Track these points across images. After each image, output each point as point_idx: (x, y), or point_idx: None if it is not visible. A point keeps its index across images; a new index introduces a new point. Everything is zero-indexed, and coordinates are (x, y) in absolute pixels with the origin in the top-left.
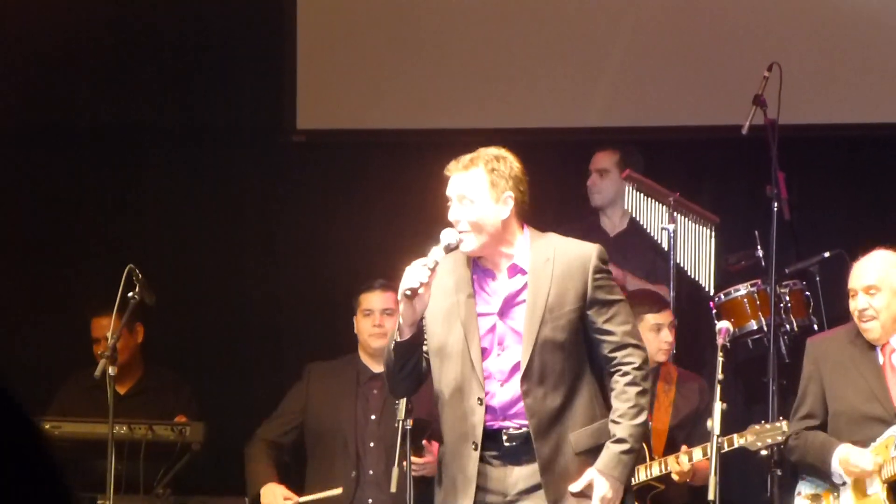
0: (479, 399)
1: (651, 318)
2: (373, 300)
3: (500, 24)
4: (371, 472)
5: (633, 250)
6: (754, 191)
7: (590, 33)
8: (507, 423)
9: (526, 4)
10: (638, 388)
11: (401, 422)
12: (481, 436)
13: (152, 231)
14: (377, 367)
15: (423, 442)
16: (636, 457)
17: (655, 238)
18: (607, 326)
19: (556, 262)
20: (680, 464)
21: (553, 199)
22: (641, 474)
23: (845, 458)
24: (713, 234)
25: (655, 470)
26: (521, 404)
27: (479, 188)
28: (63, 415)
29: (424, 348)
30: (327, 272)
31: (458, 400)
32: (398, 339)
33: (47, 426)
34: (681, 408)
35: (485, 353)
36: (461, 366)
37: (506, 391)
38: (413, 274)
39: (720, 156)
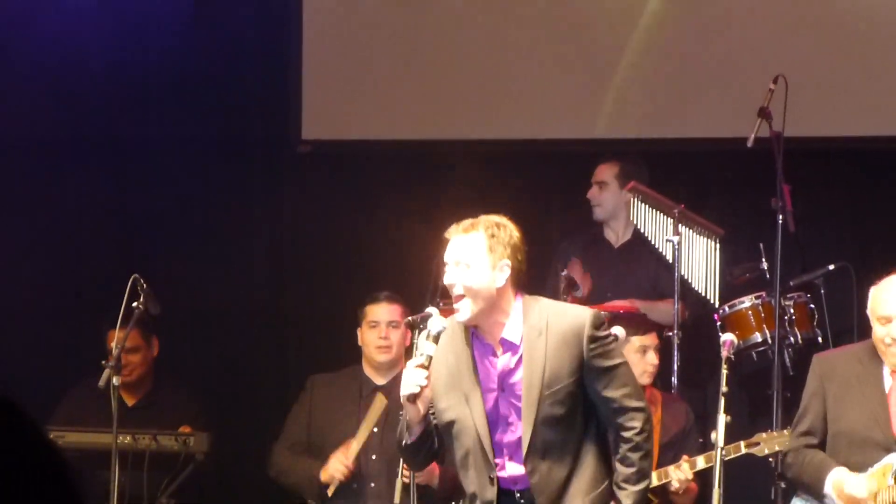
0: (490, 478)
1: (637, 341)
2: (378, 312)
3: (506, 36)
4: (373, 484)
5: (637, 262)
6: (759, 203)
7: (596, 45)
8: (515, 488)
9: (532, 16)
10: (640, 453)
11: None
12: None
13: (158, 242)
14: (380, 379)
15: None
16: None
17: (660, 250)
18: (606, 393)
19: (549, 335)
20: (682, 471)
21: (558, 211)
22: None
23: (839, 483)
24: (718, 246)
25: (654, 480)
26: (521, 476)
27: (476, 253)
28: (69, 423)
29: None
30: (333, 283)
31: (472, 475)
32: (408, 441)
33: (51, 435)
34: (669, 426)
35: (492, 428)
36: (471, 442)
37: (514, 466)
38: (411, 378)
39: (725, 168)
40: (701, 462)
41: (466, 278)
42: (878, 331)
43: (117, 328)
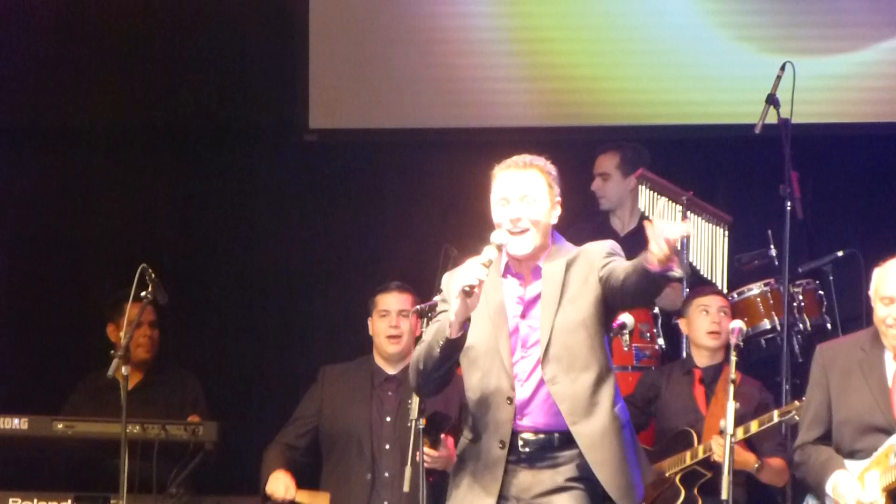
0: (508, 398)
1: (700, 301)
2: (389, 301)
3: (512, 24)
4: (387, 473)
5: (643, 249)
6: (767, 190)
7: (604, 33)
8: (523, 424)
9: (538, 4)
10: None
11: (413, 421)
12: (510, 434)
13: (166, 231)
14: (392, 369)
15: (441, 436)
16: None
17: None
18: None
19: (570, 259)
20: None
21: (565, 199)
22: (688, 459)
23: (836, 485)
24: (727, 233)
25: (700, 454)
26: (536, 402)
27: (540, 188)
28: (75, 416)
29: None
30: (340, 272)
31: (486, 398)
32: (449, 337)
33: (61, 426)
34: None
35: (512, 351)
36: (490, 365)
37: (525, 389)
38: (470, 271)
39: (733, 155)
40: (754, 426)
41: (533, 212)
42: (881, 311)
43: (126, 316)
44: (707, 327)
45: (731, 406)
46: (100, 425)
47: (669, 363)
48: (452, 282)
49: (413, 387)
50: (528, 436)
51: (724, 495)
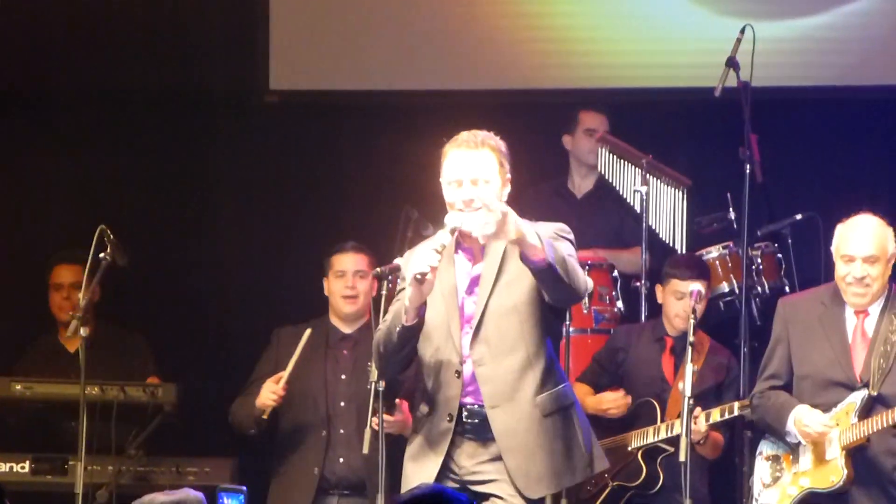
0: (456, 372)
1: (677, 285)
2: (345, 261)
3: None
4: (342, 431)
5: (599, 212)
6: (727, 153)
7: None
8: (467, 399)
9: None
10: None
11: (373, 383)
12: (457, 408)
13: (124, 193)
14: (347, 328)
15: (396, 401)
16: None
17: (628, 200)
18: None
19: (508, 245)
20: (697, 424)
21: (523, 161)
22: (651, 436)
23: (798, 418)
24: (686, 196)
25: (662, 432)
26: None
27: (491, 169)
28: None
29: None
30: (299, 233)
31: (436, 373)
32: (405, 324)
33: (18, 387)
34: (705, 379)
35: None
36: (442, 340)
37: (469, 364)
38: (422, 258)
39: (693, 118)
40: (715, 415)
41: (485, 194)
42: (841, 269)
43: (84, 278)
44: (679, 312)
45: (690, 368)
46: (58, 386)
47: (640, 324)
48: (408, 265)
49: (377, 369)
50: (475, 408)
51: (681, 457)
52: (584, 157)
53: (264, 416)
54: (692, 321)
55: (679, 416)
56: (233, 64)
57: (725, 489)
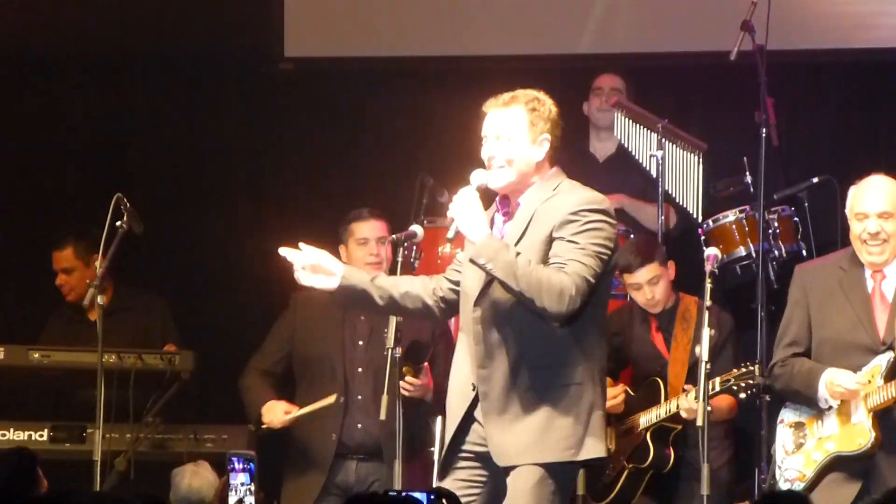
0: (475, 339)
1: (629, 279)
2: (366, 229)
3: None
4: (360, 396)
5: (622, 175)
6: (743, 117)
7: None
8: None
9: None
10: (553, 277)
11: (390, 350)
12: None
13: (139, 161)
14: None
15: (423, 364)
16: (501, 266)
17: (644, 165)
18: (556, 249)
19: (539, 208)
20: (688, 401)
21: None
22: (653, 415)
23: (830, 379)
24: (701, 160)
25: (663, 411)
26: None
27: (517, 127)
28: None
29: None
30: (315, 201)
31: (463, 339)
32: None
33: (36, 355)
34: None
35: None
36: (466, 300)
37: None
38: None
39: (708, 82)
40: (713, 386)
41: (507, 151)
42: (856, 227)
43: (101, 247)
44: (643, 302)
45: (706, 333)
46: (76, 354)
47: (626, 305)
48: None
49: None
50: (472, 384)
51: (699, 422)
52: (592, 116)
53: (263, 428)
54: (708, 285)
55: (684, 391)
56: (248, 32)
57: (743, 455)
